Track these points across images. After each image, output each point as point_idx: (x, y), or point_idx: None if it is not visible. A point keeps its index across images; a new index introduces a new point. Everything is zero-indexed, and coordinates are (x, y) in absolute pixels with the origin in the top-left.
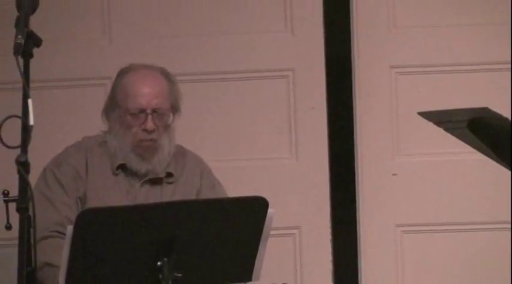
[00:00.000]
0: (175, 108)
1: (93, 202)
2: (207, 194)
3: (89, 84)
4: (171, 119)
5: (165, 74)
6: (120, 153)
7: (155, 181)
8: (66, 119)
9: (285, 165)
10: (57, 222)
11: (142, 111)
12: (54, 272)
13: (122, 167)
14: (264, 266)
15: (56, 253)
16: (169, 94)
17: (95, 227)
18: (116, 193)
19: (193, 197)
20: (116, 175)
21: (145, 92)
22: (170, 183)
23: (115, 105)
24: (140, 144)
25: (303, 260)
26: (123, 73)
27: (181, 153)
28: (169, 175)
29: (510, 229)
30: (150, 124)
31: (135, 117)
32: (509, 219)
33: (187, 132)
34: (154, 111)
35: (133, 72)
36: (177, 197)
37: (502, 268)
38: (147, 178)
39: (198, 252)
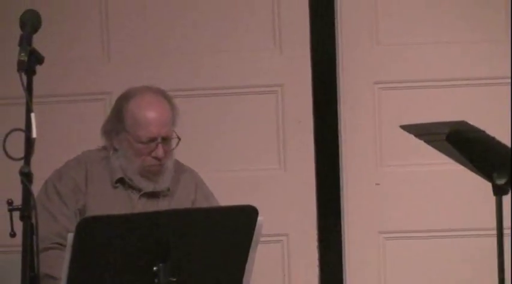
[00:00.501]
0: (174, 127)
1: (93, 214)
2: (203, 204)
3: (88, 99)
4: (177, 143)
5: (166, 96)
6: (124, 171)
7: (152, 195)
8: (67, 132)
9: (273, 175)
10: (57, 233)
11: (153, 140)
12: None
13: (121, 180)
14: (254, 271)
15: (56, 265)
16: (172, 118)
17: (94, 234)
18: (115, 206)
19: None
20: (115, 188)
21: (154, 121)
22: (166, 196)
23: (122, 129)
24: (149, 169)
25: (291, 265)
26: (128, 97)
27: (177, 167)
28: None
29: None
30: (161, 153)
31: (145, 144)
32: (490, 226)
33: (181, 144)
34: (164, 138)
35: (139, 97)
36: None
37: (481, 274)
38: (144, 191)
39: (191, 258)
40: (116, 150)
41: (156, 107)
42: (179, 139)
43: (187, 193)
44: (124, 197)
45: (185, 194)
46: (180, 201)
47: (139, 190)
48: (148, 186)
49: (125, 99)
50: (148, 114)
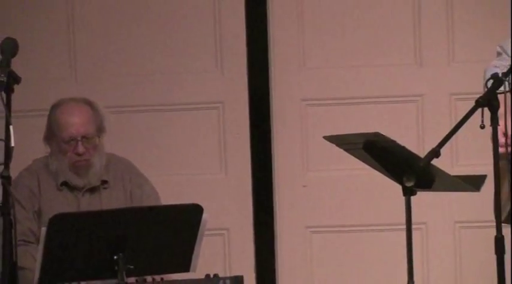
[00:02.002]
0: (100, 130)
1: (47, 214)
2: (136, 192)
3: None
4: (98, 141)
5: (88, 103)
6: (61, 173)
7: (94, 190)
8: (40, 142)
9: (216, 178)
10: (21, 232)
11: (73, 138)
12: (25, 273)
13: (65, 183)
14: (200, 260)
15: (25, 258)
16: (94, 120)
17: (64, 228)
18: (64, 205)
19: (127, 198)
20: (61, 190)
21: (74, 122)
22: (106, 189)
23: (52, 135)
24: (75, 165)
25: (231, 255)
26: (54, 108)
27: (113, 160)
28: (104, 182)
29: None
30: (80, 149)
31: (68, 144)
32: (399, 221)
33: (139, 153)
34: (83, 137)
35: (62, 106)
36: (114, 200)
37: (395, 264)
38: (86, 188)
39: (146, 249)
40: (52, 154)
41: (75, 112)
42: (99, 136)
43: (124, 183)
44: (70, 197)
45: (122, 185)
46: (119, 191)
47: (81, 188)
48: (80, 182)
49: (53, 108)
50: (68, 118)
